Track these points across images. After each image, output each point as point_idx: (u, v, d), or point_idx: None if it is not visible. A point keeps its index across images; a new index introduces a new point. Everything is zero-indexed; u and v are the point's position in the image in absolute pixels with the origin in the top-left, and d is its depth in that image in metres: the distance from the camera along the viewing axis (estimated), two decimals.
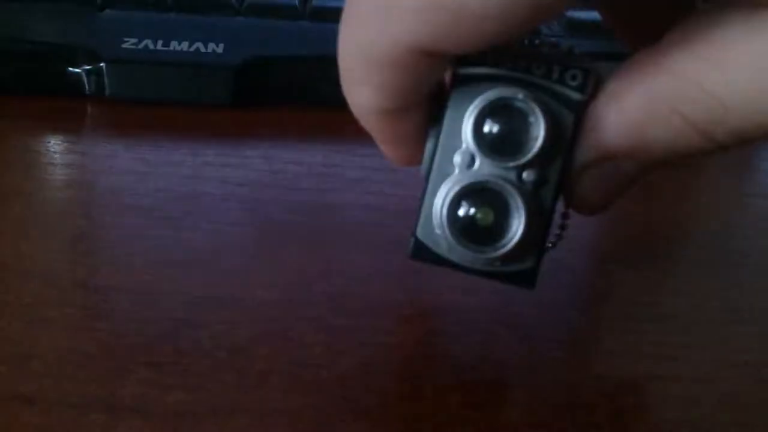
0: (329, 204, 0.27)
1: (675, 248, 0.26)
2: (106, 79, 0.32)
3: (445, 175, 0.18)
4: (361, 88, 0.17)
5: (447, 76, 0.18)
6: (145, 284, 0.22)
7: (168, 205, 0.26)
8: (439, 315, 0.23)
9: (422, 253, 0.19)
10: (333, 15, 0.35)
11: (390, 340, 0.21)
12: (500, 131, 0.18)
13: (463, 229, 0.18)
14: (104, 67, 0.32)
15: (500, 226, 0.18)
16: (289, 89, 0.33)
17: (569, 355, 0.21)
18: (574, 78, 0.18)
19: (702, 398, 0.20)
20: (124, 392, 0.18)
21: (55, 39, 0.33)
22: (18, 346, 0.20)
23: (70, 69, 0.32)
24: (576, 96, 0.18)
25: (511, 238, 0.18)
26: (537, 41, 0.18)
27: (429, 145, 0.19)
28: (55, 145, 0.29)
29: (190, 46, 0.33)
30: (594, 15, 0.34)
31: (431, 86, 0.18)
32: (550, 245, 0.19)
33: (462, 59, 0.18)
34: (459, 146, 0.18)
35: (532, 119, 0.17)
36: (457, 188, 0.18)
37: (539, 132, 0.17)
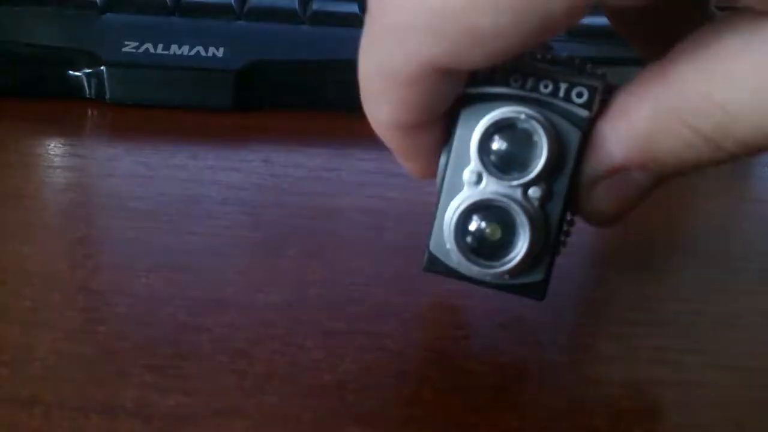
0: (329, 208, 0.27)
1: (674, 254, 0.26)
2: (106, 83, 0.32)
3: (454, 192, 0.19)
4: (380, 104, 0.18)
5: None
6: (146, 288, 0.22)
7: (168, 209, 0.26)
8: (439, 319, 0.23)
9: (435, 265, 0.19)
10: (333, 19, 0.35)
11: (390, 345, 0.21)
12: (504, 150, 0.18)
13: (470, 244, 0.19)
14: (105, 71, 0.32)
15: (506, 242, 0.19)
16: (289, 93, 0.33)
17: (569, 359, 0.21)
18: (580, 96, 0.18)
19: (701, 403, 0.20)
20: (125, 395, 0.18)
21: (56, 42, 0.33)
22: (18, 348, 0.20)
23: (71, 72, 0.32)
24: (582, 113, 0.18)
25: (517, 254, 0.18)
26: (549, 56, 0.19)
27: (442, 161, 0.19)
28: (55, 149, 0.29)
29: (190, 50, 0.33)
30: (595, 20, 0.35)
31: (448, 102, 0.18)
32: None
33: (472, 77, 0.18)
34: (467, 164, 0.19)
35: (535, 138, 0.18)
36: (464, 205, 0.19)
37: (542, 150, 0.18)
